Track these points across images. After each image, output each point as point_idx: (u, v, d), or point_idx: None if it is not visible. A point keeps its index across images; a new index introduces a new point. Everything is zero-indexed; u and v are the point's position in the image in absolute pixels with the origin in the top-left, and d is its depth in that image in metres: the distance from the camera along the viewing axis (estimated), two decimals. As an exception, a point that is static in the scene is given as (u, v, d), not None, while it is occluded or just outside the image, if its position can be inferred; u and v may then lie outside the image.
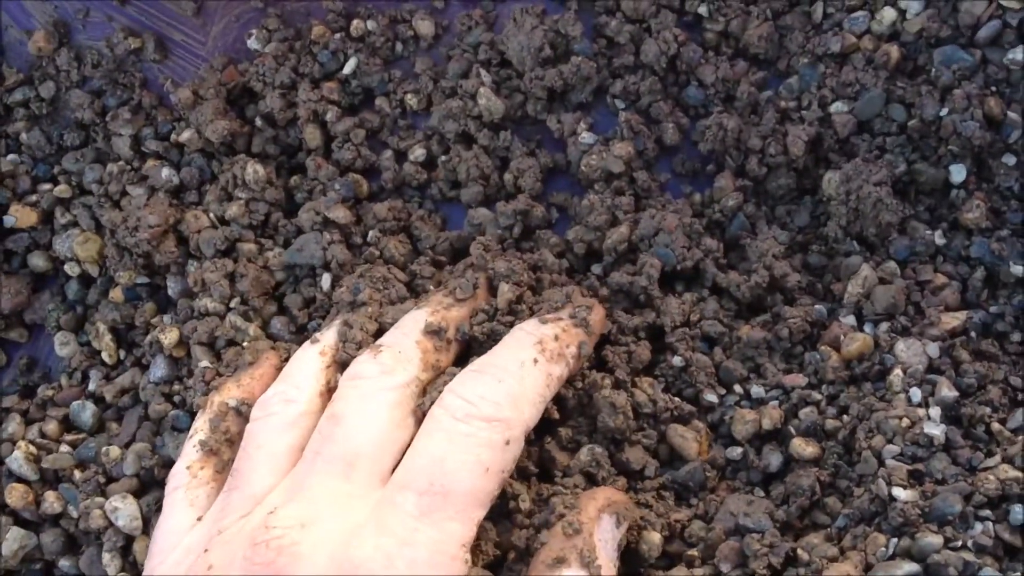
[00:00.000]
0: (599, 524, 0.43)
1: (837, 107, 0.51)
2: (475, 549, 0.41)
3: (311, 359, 0.47)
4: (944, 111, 0.49)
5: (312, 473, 0.42)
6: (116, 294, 0.56)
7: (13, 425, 0.54)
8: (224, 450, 0.46)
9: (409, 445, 0.42)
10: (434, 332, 0.46)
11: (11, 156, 0.59)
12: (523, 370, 0.44)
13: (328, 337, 0.48)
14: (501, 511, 0.44)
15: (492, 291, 0.49)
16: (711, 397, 0.49)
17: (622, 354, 0.49)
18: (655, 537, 0.45)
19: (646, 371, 0.50)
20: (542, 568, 0.41)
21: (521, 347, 0.45)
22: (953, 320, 0.47)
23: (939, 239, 0.49)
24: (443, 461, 0.41)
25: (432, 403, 0.43)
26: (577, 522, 0.42)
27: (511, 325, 0.47)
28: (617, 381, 0.48)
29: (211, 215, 0.55)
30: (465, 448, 0.41)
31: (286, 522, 0.40)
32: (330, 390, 0.46)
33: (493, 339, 0.47)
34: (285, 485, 0.42)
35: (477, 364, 0.45)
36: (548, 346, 0.45)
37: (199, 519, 0.44)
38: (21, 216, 0.58)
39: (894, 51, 0.50)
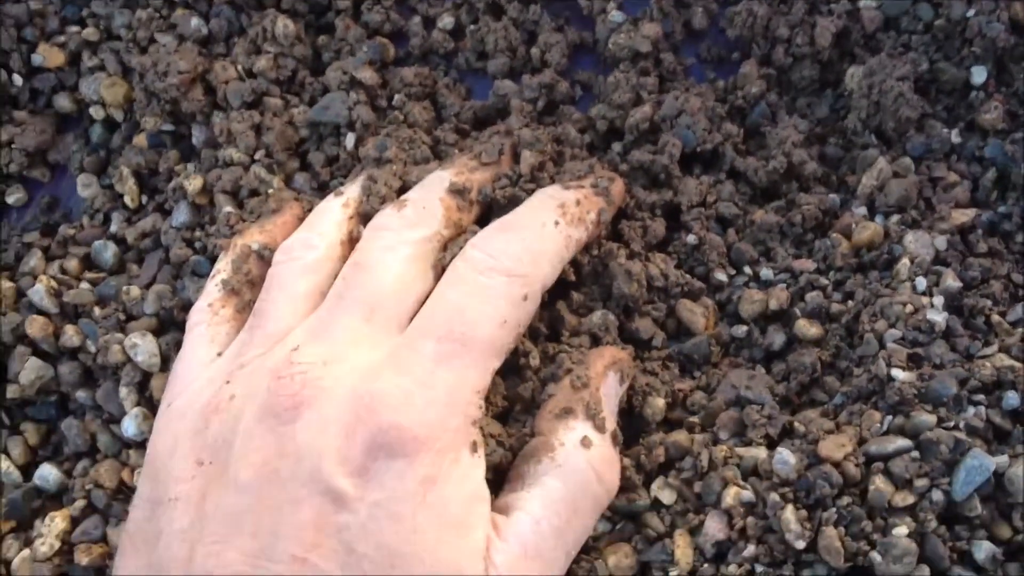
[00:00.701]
0: (605, 380, 0.44)
1: (866, 3, 0.52)
2: (486, 400, 0.43)
3: (334, 209, 0.48)
4: (971, 12, 0.50)
5: (334, 315, 0.43)
6: (140, 139, 0.57)
7: (34, 260, 0.55)
8: (245, 291, 0.48)
9: (428, 296, 0.44)
10: (457, 191, 0.47)
11: (41, -6, 0.59)
12: (544, 230, 0.45)
13: (352, 190, 0.49)
14: (511, 367, 0.46)
15: (516, 159, 0.50)
16: (721, 276, 0.50)
17: (638, 228, 0.50)
18: (659, 403, 0.46)
19: (660, 247, 0.51)
20: (548, 418, 0.43)
21: (543, 208, 0.46)
22: (962, 216, 0.48)
23: (955, 138, 0.50)
24: (463, 310, 0.42)
25: (453, 257, 0.44)
26: (585, 376, 0.44)
27: (532, 191, 0.48)
28: (632, 252, 0.49)
29: (239, 67, 0.55)
30: (484, 299, 0.42)
31: (309, 358, 0.41)
32: (352, 240, 0.47)
33: (514, 203, 0.48)
34: (307, 325, 0.43)
35: (500, 222, 0.46)
36: (569, 210, 0.46)
37: (219, 354, 0.46)
38: (49, 56, 0.58)
39: (927, -50, 0.51)
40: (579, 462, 0.42)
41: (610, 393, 0.45)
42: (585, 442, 0.42)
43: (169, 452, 0.42)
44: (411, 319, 0.43)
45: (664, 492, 0.45)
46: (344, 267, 0.45)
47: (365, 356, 0.41)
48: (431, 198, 0.47)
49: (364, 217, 0.48)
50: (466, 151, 0.51)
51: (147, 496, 0.43)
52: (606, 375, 0.45)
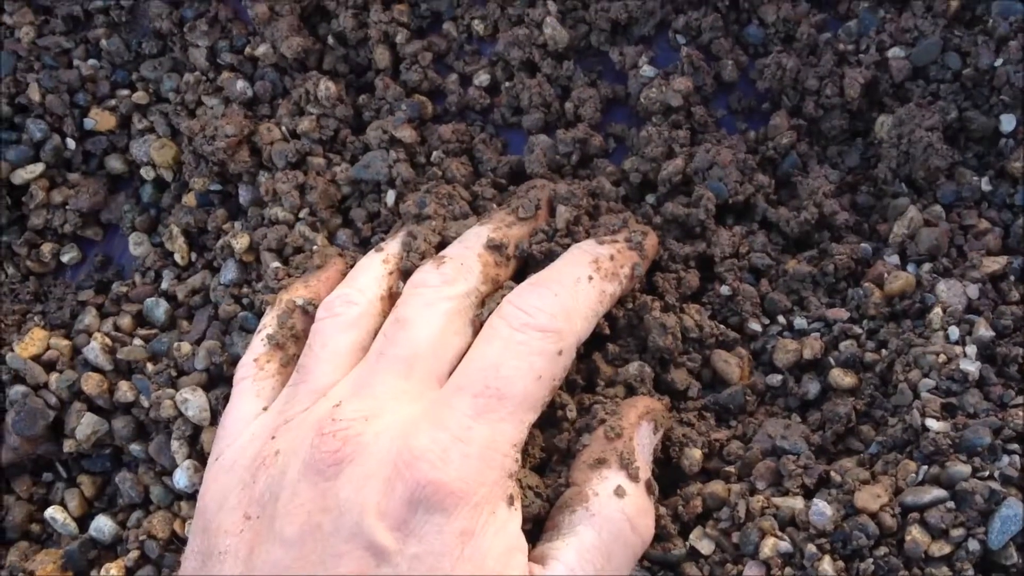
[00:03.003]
0: (638, 429, 0.45)
1: (894, 52, 0.53)
2: (523, 452, 0.44)
3: (375, 265, 0.50)
4: (999, 61, 0.51)
5: (376, 372, 0.44)
6: (189, 199, 0.58)
7: (89, 317, 0.57)
8: (290, 345, 0.49)
9: (466, 352, 0.45)
10: (495, 247, 0.48)
11: (91, 61, 0.61)
12: (578, 286, 0.46)
13: (392, 247, 0.50)
14: (548, 419, 0.47)
15: (552, 213, 0.51)
16: (755, 326, 0.51)
17: (672, 280, 0.51)
18: (696, 454, 0.47)
19: (694, 298, 0.52)
20: (583, 468, 0.44)
21: (577, 264, 0.47)
22: (994, 264, 0.49)
23: (985, 186, 0.51)
24: (499, 366, 0.43)
25: (490, 313, 0.46)
26: (618, 426, 0.45)
27: (567, 246, 0.49)
28: (666, 304, 0.50)
29: (283, 128, 0.57)
30: (520, 355, 0.43)
31: (351, 415, 0.42)
32: (392, 296, 0.49)
33: (550, 257, 0.49)
34: (350, 381, 0.45)
35: (535, 278, 0.47)
36: (603, 265, 0.47)
37: (265, 409, 0.47)
38: (100, 120, 0.60)
39: (953, 0, 0.52)
40: (613, 511, 0.43)
41: (644, 443, 0.46)
42: (619, 491, 0.43)
43: (218, 506, 0.44)
44: (449, 374, 0.44)
45: (702, 542, 0.45)
46: (385, 323, 0.46)
47: (405, 411, 0.43)
48: (469, 255, 0.48)
49: (404, 273, 0.49)
50: (504, 206, 0.52)
51: (198, 549, 0.44)
52: (639, 425, 0.46)
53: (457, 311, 0.46)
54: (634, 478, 0.44)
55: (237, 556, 0.41)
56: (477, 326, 0.46)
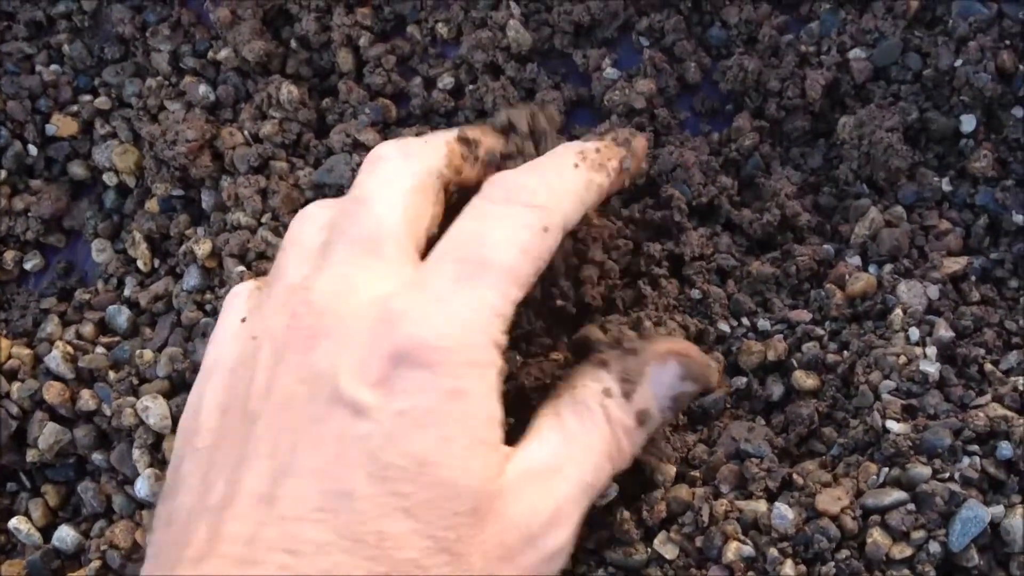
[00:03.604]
0: (662, 363, 0.43)
1: (855, 53, 0.53)
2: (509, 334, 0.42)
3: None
4: (959, 62, 0.51)
5: (339, 251, 0.41)
6: (152, 205, 0.58)
7: (51, 326, 0.57)
8: None
9: (435, 235, 0.43)
10: (464, 139, 0.46)
11: (53, 67, 0.61)
12: (563, 169, 0.44)
13: None
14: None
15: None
16: (724, 327, 0.51)
17: (655, 293, 0.50)
18: (671, 470, 0.47)
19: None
20: (583, 366, 0.43)
21: (563, 154, 0.45)
22: (954, 264, 0.49)
23: (946, 186, 0.51)
24: (482, 235, 0.41)
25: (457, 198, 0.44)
26: (640, 346, 0.43)
27: None
28: (658, 319, 0.49)
29: (245, 133, 0.57)
30: (504, 226, 0.41)
31: (322, 290, 0.40)
32: None
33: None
34: (315, 263, 0.42)
35: (517, 168, 0.45)
36: (589, 155, 0.45)
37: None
38: (62, 125, 0.60)
39: (913, 1, 0.52)
40: (596, 406, 0.41)
41: (662, 380, 0.43)
42: (607, 392, 0.42)
43: (196, 408, 0.41)
44: (421, 252, 0.42)
45: (666, 547, 0.45)
46: (342, 201, 0.44)
47: (380, 284, 0.40)
48: (436, 139, 0.46)
49: None
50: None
51: (176, 453, 0.41)
52: (666, 359, 0.43)
53: (421, 187, 0.43)
54: (626, 395, 0.42)
55: (211, 448, 0.39)
56: (443, 206, 0.44)
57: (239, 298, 0.45)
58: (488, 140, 0.47)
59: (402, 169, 0.43)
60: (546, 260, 0.42)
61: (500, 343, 0.39)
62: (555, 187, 0.43)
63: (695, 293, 0.51)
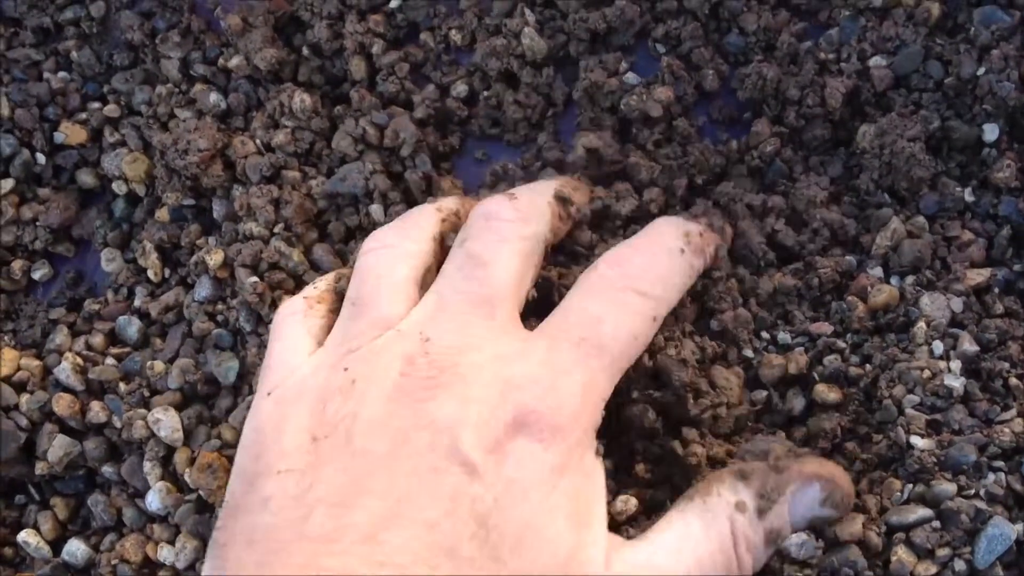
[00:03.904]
0: (805, 484, 0.42)
1: (876, 61, 0.52)
2: None
3: (428, 212, 0.48)
4: (981, 70, 0.50)
5: (456, 308, 0.42)
6: (162, 214, 0.57)
7: (60, 336, 0.56)
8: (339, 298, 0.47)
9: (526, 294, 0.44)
10: (563, 199, 0.48)
11: (62, 74, 0.60)
12: (671, 256, 0.46)
13: (448, 203, 0.49)
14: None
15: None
16: (748, 352, 0.49)
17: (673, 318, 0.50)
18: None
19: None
20: (721, 472, 0.43)
21: (670, 236, 0.47)
22: (978, 276, 0.48)
23: (968, 196, 0.50)
24: (601, 320, 0.42)
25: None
26: (786, 465, 0.42)
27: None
28: (678, 345, 0.49)
29: (257, 141, 0.56)
30: (621, 312, 0.43)
31: (443, 345, 0.41)
32: (443, 243, 0.47)
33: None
34: (429, 315, 0.42)
35: (628, 243, 0.46)
36: (694, 240, 0.47)
37: (320, 344, 0.44)
38: (71, 133, 0.59)
39: (935, 8, 0.51)
40: (724, 518, 0.41)
41: (802, 500, 0.42)
42: (740, 506, 0.41)
43: (277, 429, 0.40)
44: (521, 316, 0.44)
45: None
46: (457, 255, 0.45)
47: (501, 347, 0.41)
48: (541, 200, 0.47)
49: (455, 227, 0.47)
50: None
51: (248, 471, 0.40)
52: (811, 482, 0.42)
53: (530, 252, 0.45)
54: (761, 512, 0.41)
55: (304, 471, 0.38)
56: (537, 272, 0.46)
57: (296, 317, 0.46)
58: (579, 197, 0.49)
59: (517, 232, 0.45)
60: (646, 346, 0.44)
61: (598, 425, 0.41)
62: (666, 277, 0.45)
63: (714, 325, 0.50)
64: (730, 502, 0.41)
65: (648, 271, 0.44)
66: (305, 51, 0.58)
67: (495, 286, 0.43)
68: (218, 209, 0.57)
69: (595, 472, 0.40)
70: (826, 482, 0.42)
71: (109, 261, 0.59)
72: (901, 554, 0.41)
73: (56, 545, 0.54)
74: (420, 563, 0.35)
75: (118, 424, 0.53)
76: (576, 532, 0.38)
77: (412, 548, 0.36)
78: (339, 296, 0.47)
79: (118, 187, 0.59)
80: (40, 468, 0.53)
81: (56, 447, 0.53)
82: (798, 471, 0.42)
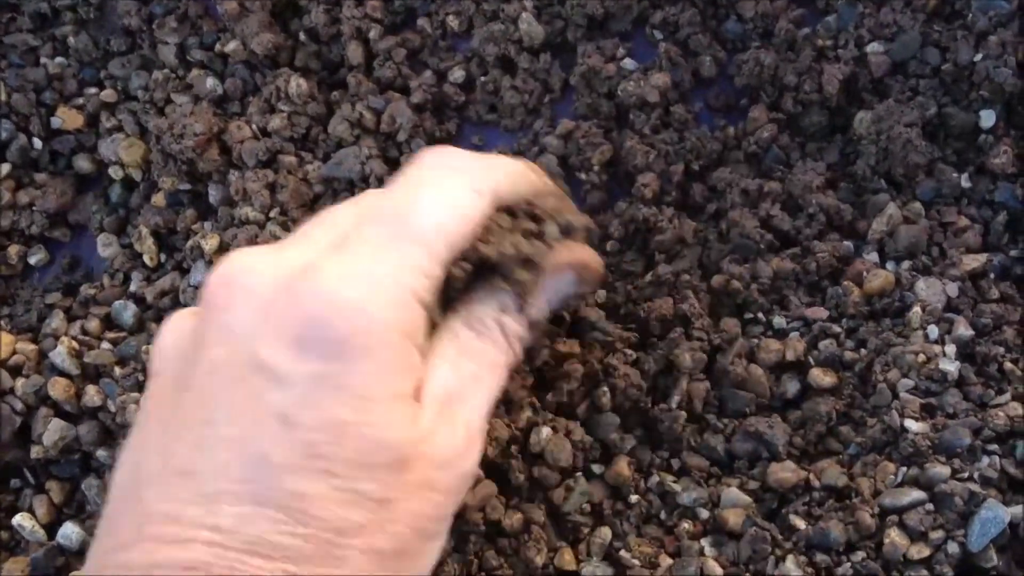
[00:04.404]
0: (558, 273, 0.42)
1: (873, 47, 0.52)
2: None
3: None
4: (978, 56, 0.50)
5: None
6: (158, 199, 0.57)
7: (56, 321, 0.56)
8: None
9: None
10: None
11: (59, 59, 0.60)
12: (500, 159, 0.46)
13: None
14: None
15: None
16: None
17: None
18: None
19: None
20: (482, 282, 0.41)
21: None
22: (973, 262, 0.48)
23: (965, 182, 0.50)
24: (407, 199, 0.40)
25: None
26: (541, 260, 0.41)
27: None
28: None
29: (254, 126, 0.56)
30: (432, 189, 0.40)
31: (243, 259, 0.39)
32: None
33: None
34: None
35: None
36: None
37: None
38: (68, 118, 0.59)
39: (933, -6, 0.51)
40: (491, 323, 0.40)
41: (557, 289, 0.43)
42: (503, 308, 0.41)
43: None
44: None
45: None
46: None
47: (302, 251, 0.39)
48: None
49: None
50: None
51: None
52: (564, 272, 0.43)
53: None
54: (521, 309, 0.41)
55: (140, 424, 0.39)
56: None
57: None
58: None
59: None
60: (478, 224, 0.40)
61: (424, 300, 0.38)
62: (490, 162, 0.43)
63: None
64: (493, 306, 0.41)
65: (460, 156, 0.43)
66: (302, 36, 0.58)
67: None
68: (214, 194, 0.57)
69: (409, 346, 0.37)
70: (577, 267, 0.43)
71: (105, 246, 0.59)
72: (894, 536, 0.41)
73: (51, 528, 0.54)
74: (236, 482, 0.34)
75: (113, 408, 0.53)
76: (395, 410, 0.36)
77: (226, 470, 0.35)
78: None
79: (114, 172, 0.59)
80: (35, 452, 0.53)
81: (51, 431, 0.53)
82: (552, 264, 0.41)
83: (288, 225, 0.54)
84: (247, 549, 0.33)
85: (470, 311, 0.40)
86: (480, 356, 0.40)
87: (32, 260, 0.60)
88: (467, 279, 0.40)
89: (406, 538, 0.36)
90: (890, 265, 0.49)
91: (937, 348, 0.45)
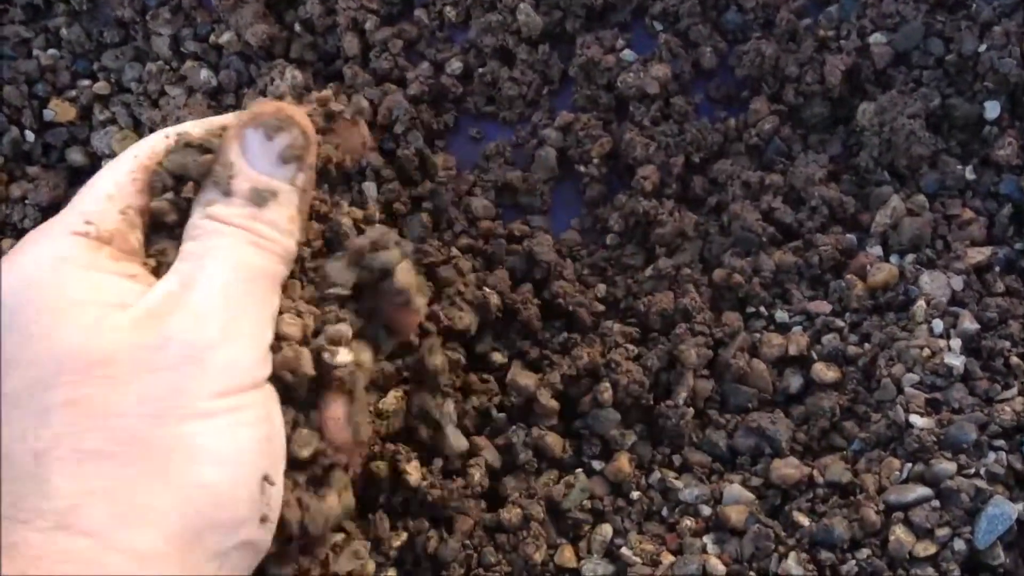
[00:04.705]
0: (238, 139, 0.38)
1: (876, 38, 0.51)
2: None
3: None
4: (983, 47, 0.49)
5: None
6: (152, 192, 0.57)
7: (49, 316, 0.56)
8: None
9: None
10: None
11: (51, 51, 0.60)
12: None
13: None
14: None
15: None
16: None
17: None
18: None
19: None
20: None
21: None
22: (978, 255, 0.48)
23: (969, 174, 0.50)
24: None
25: None
26: (220, 142, 0.39)
27: None
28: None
29: (248, 118, 0.55)
30: None
31: None
32: None
33: None
34: None
35: None
36: None
37: None
38: (60, 111, 0.58)
39: (936, -16, 0.51)
40: (201, 221, 0.37)
41: (252, 152, 0.38)
42: (208, 203, 0.38)
43: None
44: None
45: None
46: None
47: None
48: None
49: None
50: None
51: None
52: (239, 135, 0.38)
53: None
54: (227, 192, 0.38)
55: None
56: None
57: None
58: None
59: None
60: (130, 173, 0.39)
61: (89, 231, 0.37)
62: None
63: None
64: (199, 210, 0.38)
65: None
66: (297, 27, 0.57)
67: None
68: (209, 187, 0.56)
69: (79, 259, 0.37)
70: (253, 123, 0.38)
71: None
72: (899, 533, 0.41)
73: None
74: None
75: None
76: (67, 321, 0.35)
77: None
78: None
79: (108, 165, 0.58)
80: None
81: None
82: (227, 137, 0.39)
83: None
84: None
85: (194, 223, 0.38)
86: (209, 255, 0.37)
87: (25, 255, 0.59)
88: (176, 208, 0.38)
89: None
90: (894, 258, 0.49)
91: (942, 342, 0.45)
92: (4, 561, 0.32)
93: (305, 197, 0.39)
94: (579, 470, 0.47)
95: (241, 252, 0.37)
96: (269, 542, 0.36)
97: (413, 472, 0.44)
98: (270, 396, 0.36)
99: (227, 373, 0.35)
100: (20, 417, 0.34)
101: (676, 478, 0.46)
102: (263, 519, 0.35)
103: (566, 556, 0.45)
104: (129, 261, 0.37)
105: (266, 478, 0.35)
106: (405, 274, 0.39)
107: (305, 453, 0.36)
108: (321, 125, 0.41)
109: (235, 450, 0.34)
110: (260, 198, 0.38)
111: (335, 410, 0.38)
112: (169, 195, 0.38)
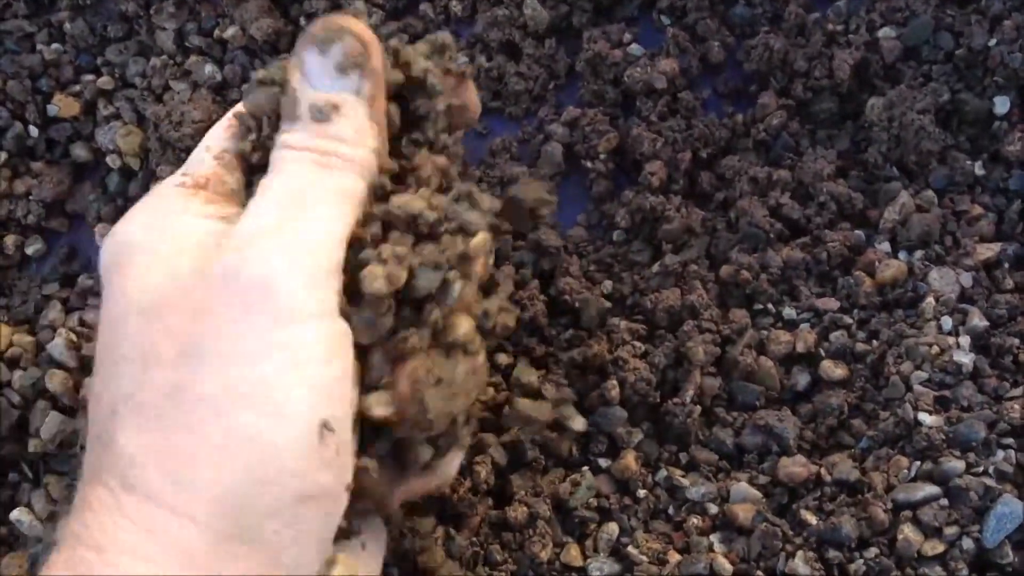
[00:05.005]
0: (301, 63, 0.38)
1: (885, 32, 0.51)
2: None
3: None
4: (993, 41, 0.49)
5: None
6: (157, 188, 0.57)
7: (54, 312, 0.56)
8: None
9: None
10: None
11: (55, 45, 0.59)
12: None
13: None
14: None
15: None
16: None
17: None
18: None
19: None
20: None
21: None
22: (987, 251, 0.47)
23: (979, 170, 0.49)
24: None
25: None
26: (281, 76, 0.38)
27: None
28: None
29: (253, 113, 0.55)
30: None
31: None
32: None
33: None
34: None
35: None
36: None
37: None
38: (64, 106, 0.58)
39: (946, -22, 0.50)
40: (280, 154, 0.37)
41: (312, 72, 0.37)
42: (285, 132, 0.37)
43: None
44: None
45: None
46: None
47: None
48: None
49: None
50: None
51: None
52: (301, 56, 0.37)
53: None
54: (296, 117, 0.37)
55: None
56: None
57: None
58: None
59: None
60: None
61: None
62: None
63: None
64: (277, 144, 0.37)
65: None
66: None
67: None
68: (213, 183, 0.56)
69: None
70: (308, 44, 0.37)
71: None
72: (908, 532, 0.41)
73: (50, 523, 0.53)
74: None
75: (112, 401, 0.52)
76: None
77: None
78: None
79: (112, 161, 0.58)
80: (33, 446, 0.52)
81: (49, 424, 0.52)
82: (288, 66, 0.38)
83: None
84: None
85: (275, 157, 0.37)
86: (288, 190, 0.36)
87: (29, 250, 0.59)
88: (262, 147, 0.38)
89: None
90: (902, 255, 0.48)
91: (951, 339, 0.45)
92: (73, 518, 0.33)
93: (376, 103, 0.38)
94: (586, 468, 0.46)
95: (304, 173, 0.36)
96: (344, 494, 0.34)
97: None
98: (333, 331, 0.34)
99: (272, 304, 0.33)
100: (104, 373, 0.34)
101: (683, 476, 0.46)
102: (326, 468, 0.33)
103: (572, 554, 0.45)
104: (226, 203, 0.38)
105: (324, 424, 0.33)
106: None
107: None
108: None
109: (284, 398, 0.32)
110: (322, 114, 0.37)
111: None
112: (252, 136, 0.38)
